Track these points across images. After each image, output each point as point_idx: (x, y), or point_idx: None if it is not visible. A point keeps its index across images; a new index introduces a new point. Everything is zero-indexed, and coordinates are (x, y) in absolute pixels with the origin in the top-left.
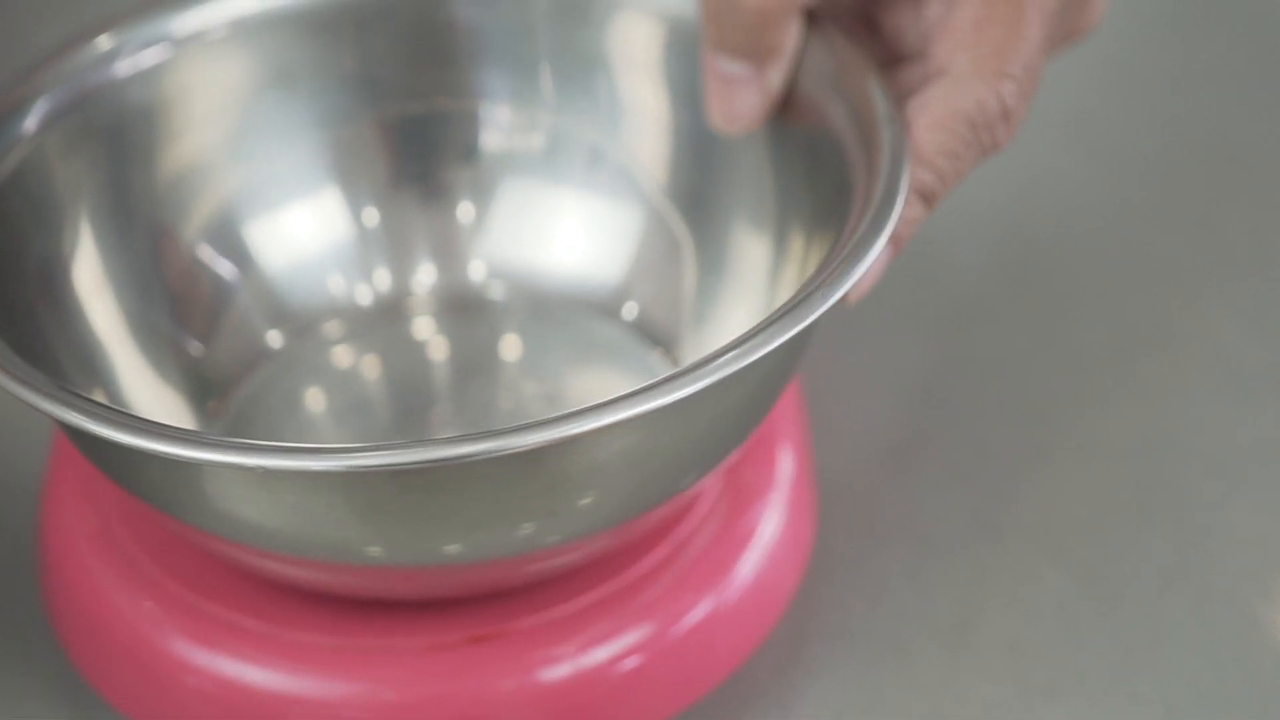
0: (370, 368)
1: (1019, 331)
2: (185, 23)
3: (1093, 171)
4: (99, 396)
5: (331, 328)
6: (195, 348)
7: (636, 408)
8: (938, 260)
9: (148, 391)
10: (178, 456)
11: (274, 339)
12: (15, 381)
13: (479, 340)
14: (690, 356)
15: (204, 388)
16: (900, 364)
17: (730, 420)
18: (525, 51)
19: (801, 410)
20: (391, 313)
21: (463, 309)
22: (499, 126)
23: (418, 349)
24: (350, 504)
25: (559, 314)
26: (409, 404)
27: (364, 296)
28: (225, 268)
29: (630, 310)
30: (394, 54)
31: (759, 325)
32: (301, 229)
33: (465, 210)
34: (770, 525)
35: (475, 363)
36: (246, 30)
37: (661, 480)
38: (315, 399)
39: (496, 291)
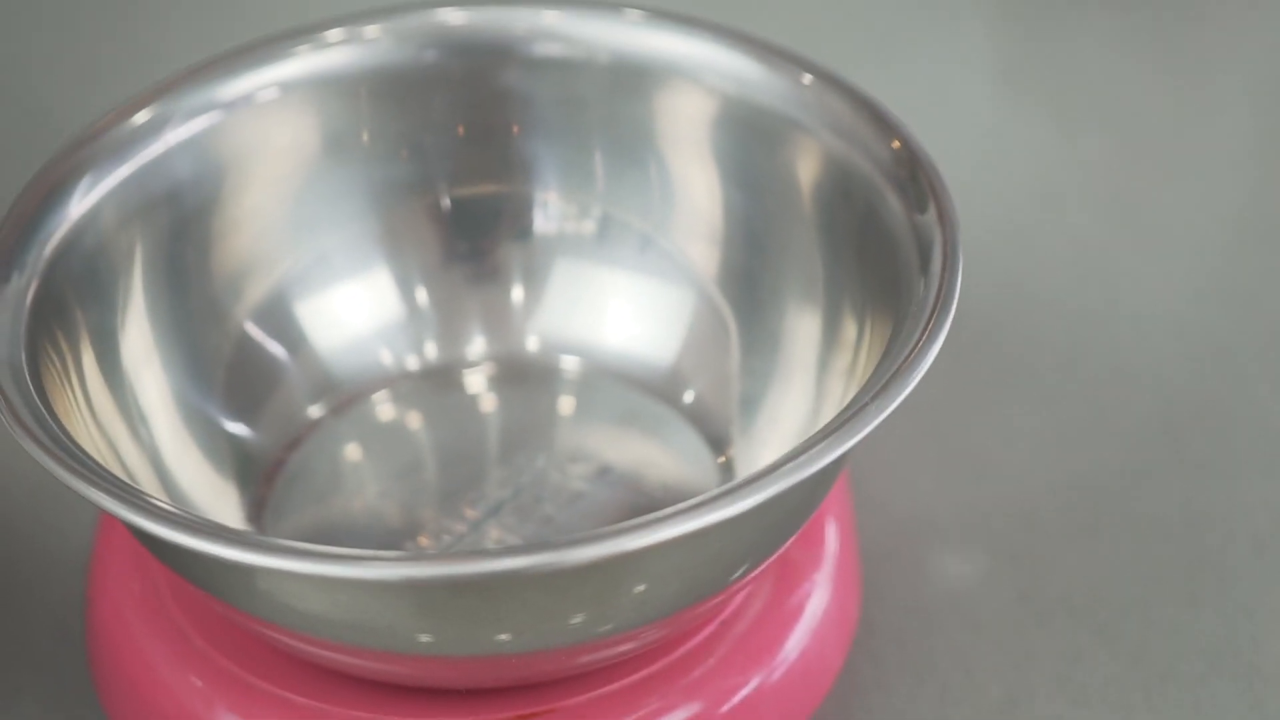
0: (418, 438)
1: (1066, 406)
2: (236, 89)
3: (1140, 247)
4: (145, 466)
5: (380, 400)
6: (242, 417)
7: (693, 523)
8: (985, 333)
9: (192, 462)
10: (235, 561)
11: (321, 410)
12: (72, 475)
13: (527, 413)
14: (739, 437)
15: (250, 457)
16: (946, 438)
17: (786, 518)
18: (577, 124)
19: (846, 485)
20: (441, 384)
21: (511, 381)
22: (550, 213)
23: (466, 419)
24: (404, 603)
25: (608, 390)
26: (457, 475)
27: (413, 370)
28: (274, 342)
29: (681, 389)
30: (447, 122)
31: (819, 434)
32: (353, 307)
33: (516, 290)
34: (817, 603)
35: (523, 436)
36: (298, 96)
37: (714, 576)
38: (362, 469)
39: (546, 365)
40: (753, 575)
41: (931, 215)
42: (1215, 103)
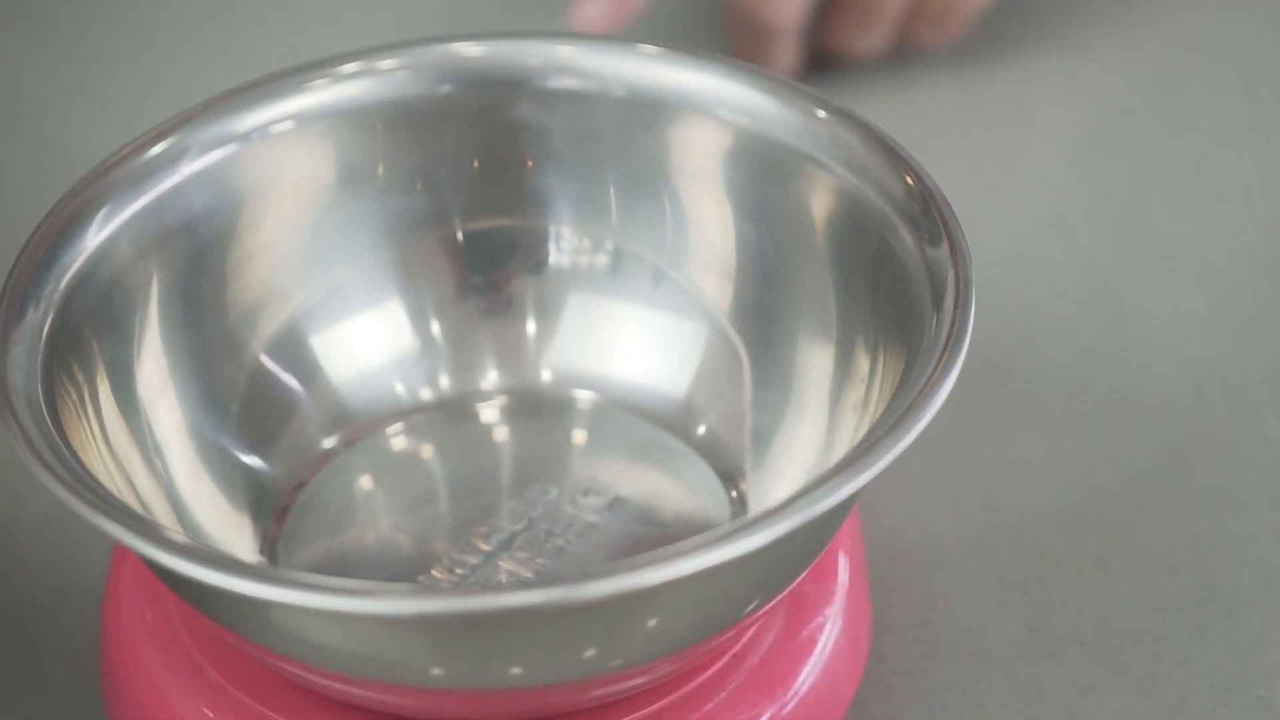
0: (431, 470)
1: (1074, 437)
2: (252, 121)
3: (1148, 277)
4: (159, 498)
5: (394, 432)
6: (256, 449)
7: (709, 558)
8: (995, 364)
9: (206, 494)
10: (248, 595)
11: (335, 441)
12: (88, 507)
13: (540, 445)
14: (751, 471)
15: (263, 489)
16: (956, 469)
17: (800, 552)
18: (591, 158)
19: (857, 516)
20: (454, 416)
21: (525, 413)
22: (564, 247)
23: (479, 451)
24: (416, 637)
25: (621, 422)
26: (470, 507)
27: (427, 402)
28: (289, 374)
29: (693, 422)
30: (462, 155)
31: (834, 469)
32: (367, 339)
33: (530, 323)
34: (829, 635)
35: (536, 468)
36: (313, 128)
37: (727, 610)
38: (374, 501)
39: (559, 398)
40: (766, 609)
41: (944, 250)
42: (1224, 133)
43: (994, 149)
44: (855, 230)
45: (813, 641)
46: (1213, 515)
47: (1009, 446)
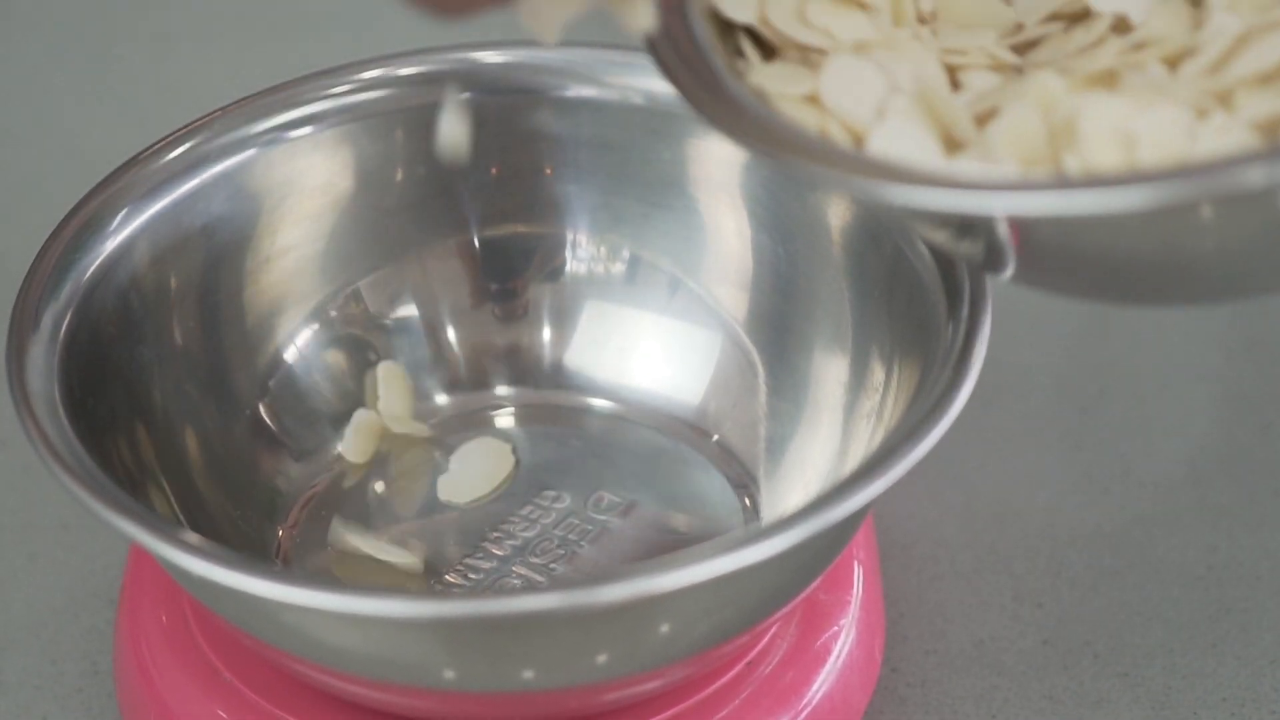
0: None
1: (1090, 452)
2: (271, 126)
3: None
4: (175, 498)
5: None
6: (270, 452)
7: (723, 564)
8: (1010, 379)
9: (221, 495)
10: (264, 596)
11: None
12: (104, 506)
13: (554, 451)
14: (765, 479)
15: (278, 491)
16: (970, 482)
17: (814, 560)
18: (609, 166)
19: (872, 528)
20: (469, 422)
21: (539, 419)
22: (581, 254)
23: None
24: (430, 640)
25: (635, 430)
26: (484, 512)
27: (442, 407)
28: (304, 378)
29: (708, 430)
30: (480, 162)
31: (848, 478)
32: (384, 344)
33: (546, 330)
34: (842, 646)
35: (550, 474)
36: (333, 134)
37: (740, 616)
38: (390, 505)
39: (574, 404)
40: (778, 615)
41: (960, 261)
42: None
43: None
44: (871, 241)
45: (827, 651)
46: (1227, 531)
47: (1024, 460)
